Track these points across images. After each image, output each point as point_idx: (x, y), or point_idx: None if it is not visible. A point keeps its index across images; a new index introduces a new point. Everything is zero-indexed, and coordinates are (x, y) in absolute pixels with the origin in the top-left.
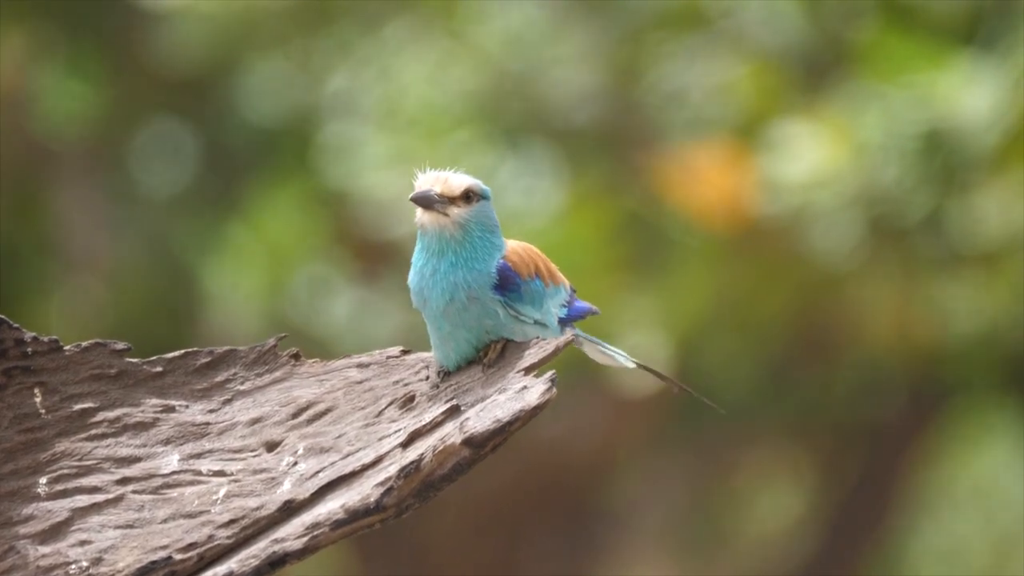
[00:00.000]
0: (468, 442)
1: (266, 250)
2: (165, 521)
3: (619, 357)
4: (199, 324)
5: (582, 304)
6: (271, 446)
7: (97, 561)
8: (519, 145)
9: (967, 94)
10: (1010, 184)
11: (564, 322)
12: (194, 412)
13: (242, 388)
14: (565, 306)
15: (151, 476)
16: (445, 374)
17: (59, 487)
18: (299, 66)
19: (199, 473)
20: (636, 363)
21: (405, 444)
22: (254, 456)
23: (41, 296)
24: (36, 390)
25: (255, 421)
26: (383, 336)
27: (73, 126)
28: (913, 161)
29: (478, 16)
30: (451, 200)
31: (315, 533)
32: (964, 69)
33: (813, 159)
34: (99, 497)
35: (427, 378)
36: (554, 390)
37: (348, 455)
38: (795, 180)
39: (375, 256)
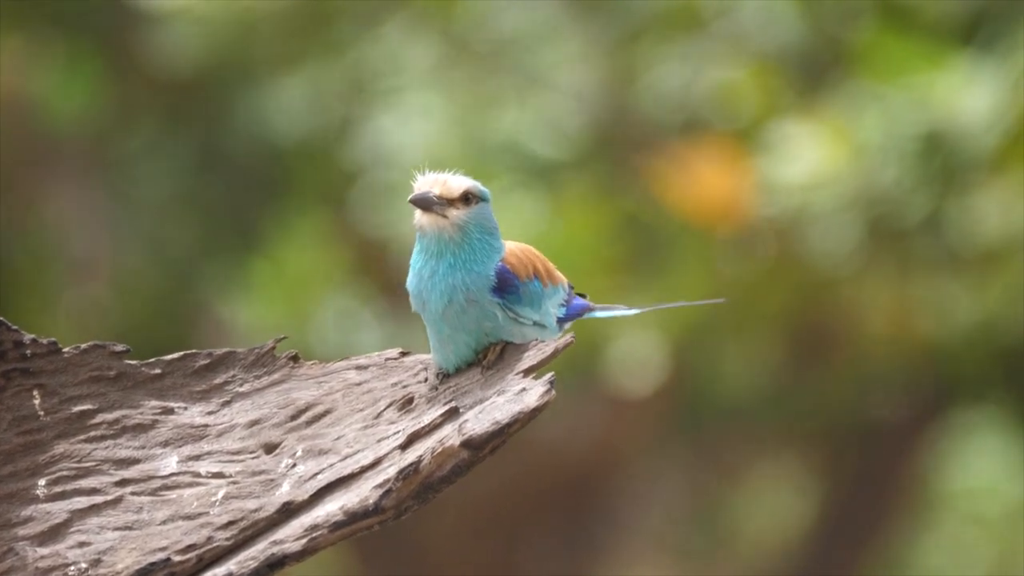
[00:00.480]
0: (467, 444)
1: (290, 285)
2: (164, 523)
3: (621, 311)
4: (211, 335)
5: (581, 302)
6: (270, 448)
7: (96, 563)
8: (552, 185)
9: (966, 95)
10: (1009, 185)
11: (563, 321)
12: (193, 414)
13: (241, 390)
14: (563, 305)
15: (150, 478)
16: (444, 376)
17: (58, 489)
18: (311, 84)
19: (198, 475)
20: (639, 309)
21: (404, 446)
22: (253, 458)
23: (41, 299)
24: (35, 392)
25: (254, 423)
26: None
27: (73, 128)
28: (912, 162)
29: (476, 17)
30: (450, 202)
31: (314, 535)
32: (963, 70)
33: (811, 160)
34: (98, 499)
35: (425, 380)
36: (553, 392)
37: (347, 457)
38: (793, 181)
39: (404, 293)
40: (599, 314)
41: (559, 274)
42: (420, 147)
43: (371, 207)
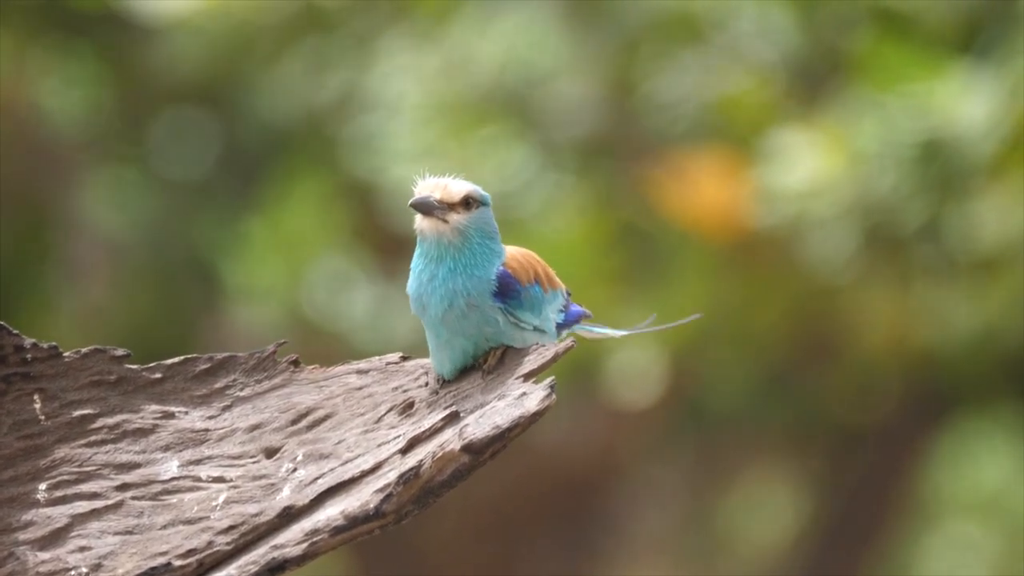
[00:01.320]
0: (467, 448)
1: (284, 245)
2: (164, 527)
3: (607, 331)
4: (216, 320)
5: (577, 308)
6: (270, 452)
7: (96, 567)
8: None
9: (964, 102)
10: (1007, 191)
11: (561, 327)
12: (193, 418)
13: (241, 394)
14: (562, 311)
15: (150, 482)
16: (444, 381)
17: (59, 493)
18: (310, 64)
19: (198, 479)
20: (624, 332)
21: (404, 450)
22: (253, 462)
23: (43, 303)
24: (36, 396)
25: (254, 427)
26: (402, 332)
27: (76, 129)
28: (910, 169)
29: (474, 28)
30: (450, 206)
31: (314, 539)
32: (960, 77)
33: (810, 168)
34: (98, 503)
35: (426, 384)
36: (553, 396)
37: (347, 461)
38: (792, 189)
39: (396, 250)
40: (593, 329)
41: (558, 280)
42: (410, 93)
43: (360, 150)
